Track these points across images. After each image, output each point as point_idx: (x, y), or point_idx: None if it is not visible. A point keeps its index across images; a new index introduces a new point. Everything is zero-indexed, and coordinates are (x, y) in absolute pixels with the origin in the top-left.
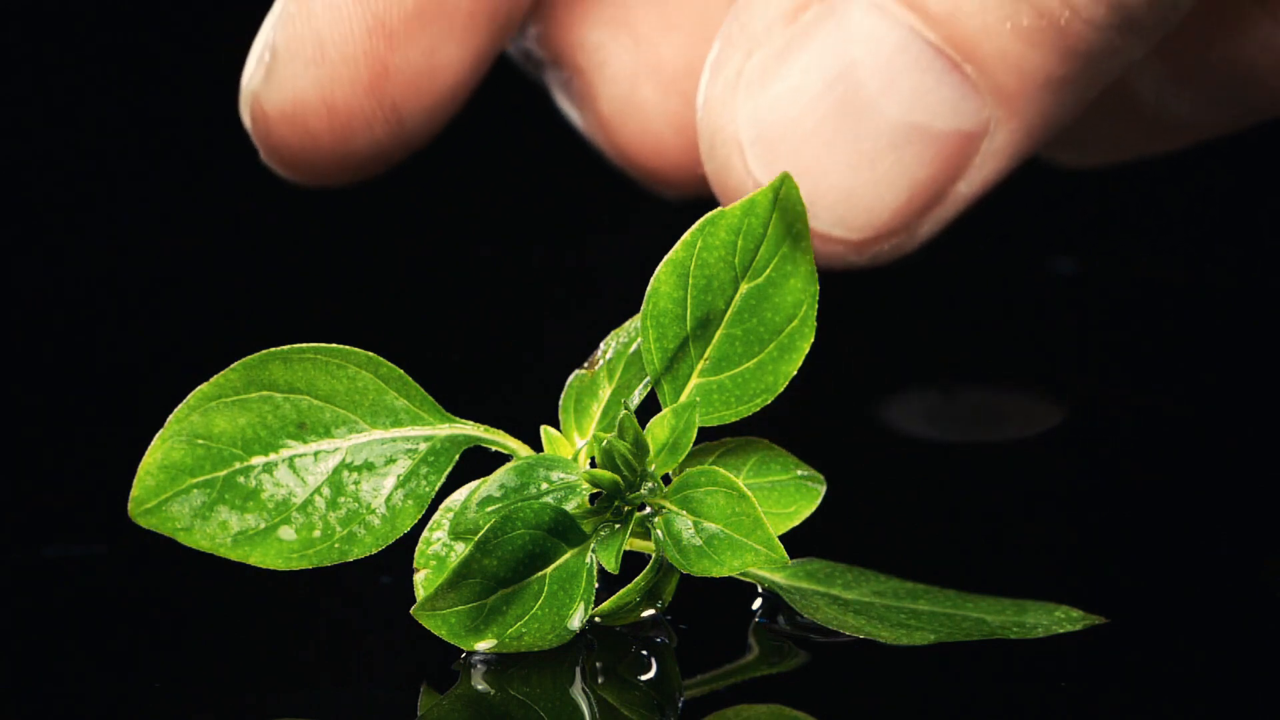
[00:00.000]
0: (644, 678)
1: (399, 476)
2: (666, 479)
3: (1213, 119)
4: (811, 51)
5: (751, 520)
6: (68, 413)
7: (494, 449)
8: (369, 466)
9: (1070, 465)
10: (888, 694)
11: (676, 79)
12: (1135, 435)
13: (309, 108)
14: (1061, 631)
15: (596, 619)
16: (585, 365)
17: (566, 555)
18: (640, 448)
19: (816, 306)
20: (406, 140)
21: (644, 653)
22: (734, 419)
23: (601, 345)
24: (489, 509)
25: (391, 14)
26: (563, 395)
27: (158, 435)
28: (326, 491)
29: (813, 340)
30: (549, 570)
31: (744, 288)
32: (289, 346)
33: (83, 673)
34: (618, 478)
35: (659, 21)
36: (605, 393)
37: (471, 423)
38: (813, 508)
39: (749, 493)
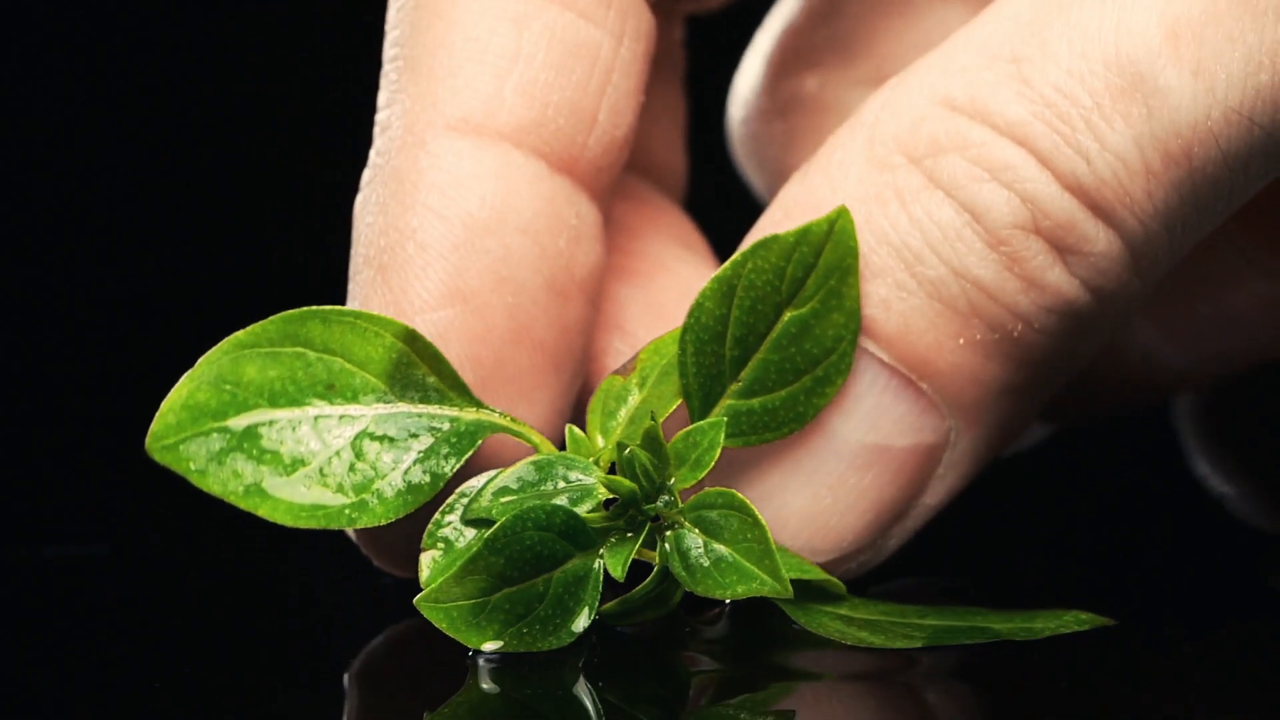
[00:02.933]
0: (647, 677)
1: (419, 453)
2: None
3: (1203, 368)
4: None
5: (762, 549)
6: (68, 413)
7: (517, 440)
8: (390, 439)
9: (1070, 467)
10: (888, 695)
11: None
12: (1136, 437)
13: (397, 526)
14: (1068, 632)
15: (600, 619)
16: (619, 369)
17: (575, 559)
18: (661, 460)
19: (856, 344)
20: None
21: (647, 652)
22: (758, 444)
23: (639, 352)
24: (504, 499)
25: None
26: (592, 397)
27: (185, 375)
28: (346, 456)
29: (847, 377)
30: (556, 573)
31: (787, 315)
32: (331, 307)
33: (83, 672)
34: (635, 487)
35: (647, 317)
36: (634, 400)
37: (498, 411)
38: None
39: (763, 519)
